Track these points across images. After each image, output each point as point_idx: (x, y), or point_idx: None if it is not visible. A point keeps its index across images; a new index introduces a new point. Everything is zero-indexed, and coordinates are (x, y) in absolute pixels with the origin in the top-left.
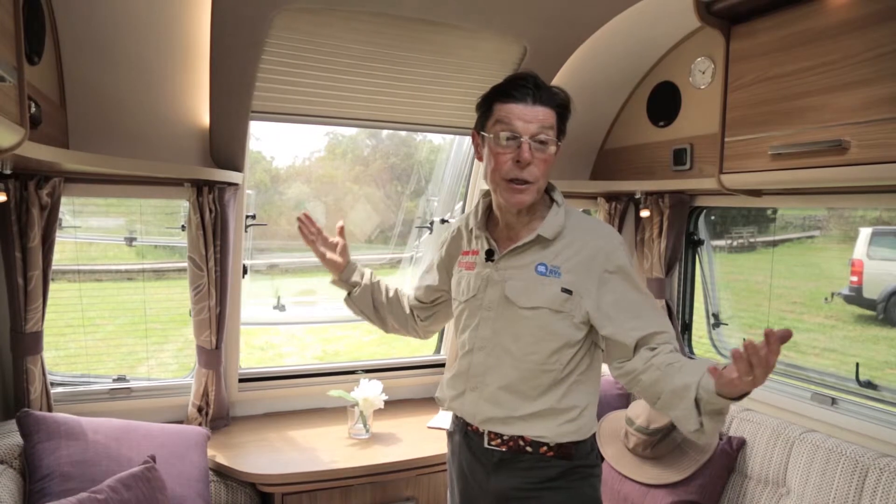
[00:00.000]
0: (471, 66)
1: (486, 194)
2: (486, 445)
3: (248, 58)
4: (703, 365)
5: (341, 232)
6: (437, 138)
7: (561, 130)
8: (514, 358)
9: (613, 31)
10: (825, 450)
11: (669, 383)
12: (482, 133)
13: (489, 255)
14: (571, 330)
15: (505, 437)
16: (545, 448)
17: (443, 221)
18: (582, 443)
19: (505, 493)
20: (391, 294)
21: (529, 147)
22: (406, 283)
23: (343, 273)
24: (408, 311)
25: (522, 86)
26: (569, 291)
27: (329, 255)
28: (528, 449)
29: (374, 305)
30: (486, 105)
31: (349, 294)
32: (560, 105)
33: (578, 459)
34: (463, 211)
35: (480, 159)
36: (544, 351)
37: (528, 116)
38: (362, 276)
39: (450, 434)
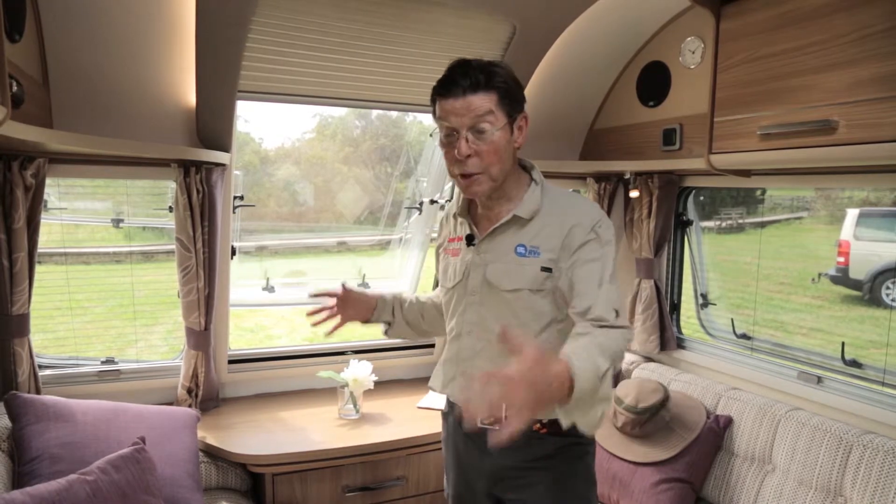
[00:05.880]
0: (460, 45)
1: None
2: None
3: (234, 36)
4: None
5: (342, 294)
6: (426, 119)
7: (512, 107)
8: None
9: (603, 11)
10: (811, 427)
11: None
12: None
13: (469, 239)
14: (554, 308)
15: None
16: (538, 425)
17: (432, 202)
18: None
19: (499, 473)
20: (426, 313)
21: (467, 140)
22: (395, 264)
23: (373, 317)
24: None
25: (450, 78)
26: (548, 270)
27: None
28: None
29: (413, 331)
30: (432, 100)
31: (385, 332)
32: (497, 85)
33: (572, 436)
34: (452, 191)
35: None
36: (531, 332)
37: (460, 110)
38: (392, 311)
39: (444, 415)
